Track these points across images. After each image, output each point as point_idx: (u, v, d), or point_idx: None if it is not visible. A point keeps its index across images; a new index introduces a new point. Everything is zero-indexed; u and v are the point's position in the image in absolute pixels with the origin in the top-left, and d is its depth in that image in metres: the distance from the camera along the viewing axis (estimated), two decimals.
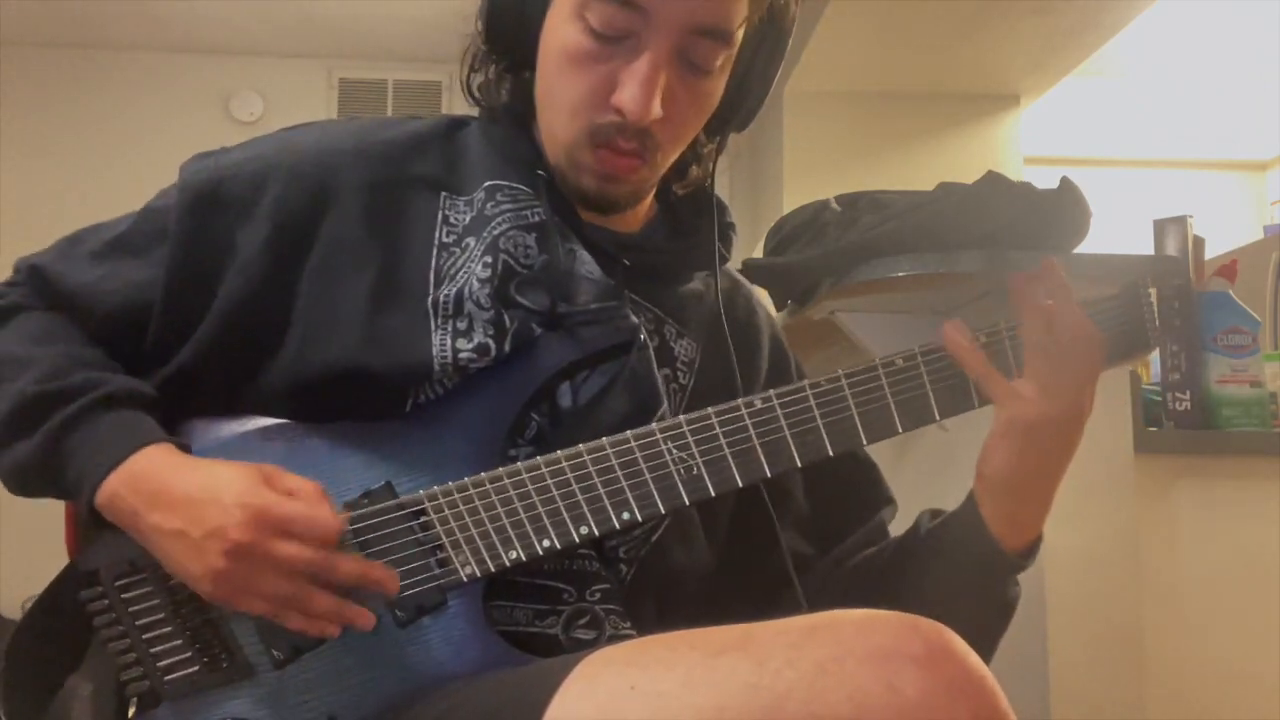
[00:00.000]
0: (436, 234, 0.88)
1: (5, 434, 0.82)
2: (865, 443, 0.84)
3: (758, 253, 1.77)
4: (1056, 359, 0.83)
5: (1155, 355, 1.74)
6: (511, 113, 0.92)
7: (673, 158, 0.90)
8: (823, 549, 1.00)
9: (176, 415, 0.86)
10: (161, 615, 0.81)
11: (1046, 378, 0.82)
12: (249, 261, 0.86)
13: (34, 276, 0.90)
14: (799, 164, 3.68)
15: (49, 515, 0.88)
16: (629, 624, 0.86)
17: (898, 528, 0.99)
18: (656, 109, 0.82)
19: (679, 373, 0.93)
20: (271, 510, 0.76)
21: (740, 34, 0.86)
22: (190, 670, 0.80)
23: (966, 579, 0.88)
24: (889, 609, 0.63)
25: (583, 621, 0.85)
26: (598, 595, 0.86)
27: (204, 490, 0.77)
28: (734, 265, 1.06)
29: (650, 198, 0.96)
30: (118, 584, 0.81)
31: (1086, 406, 0.84)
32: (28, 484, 0.84)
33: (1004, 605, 0.89)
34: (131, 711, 0.80)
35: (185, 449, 0.83)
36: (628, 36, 0.82)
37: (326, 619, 0.78)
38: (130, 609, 0.81)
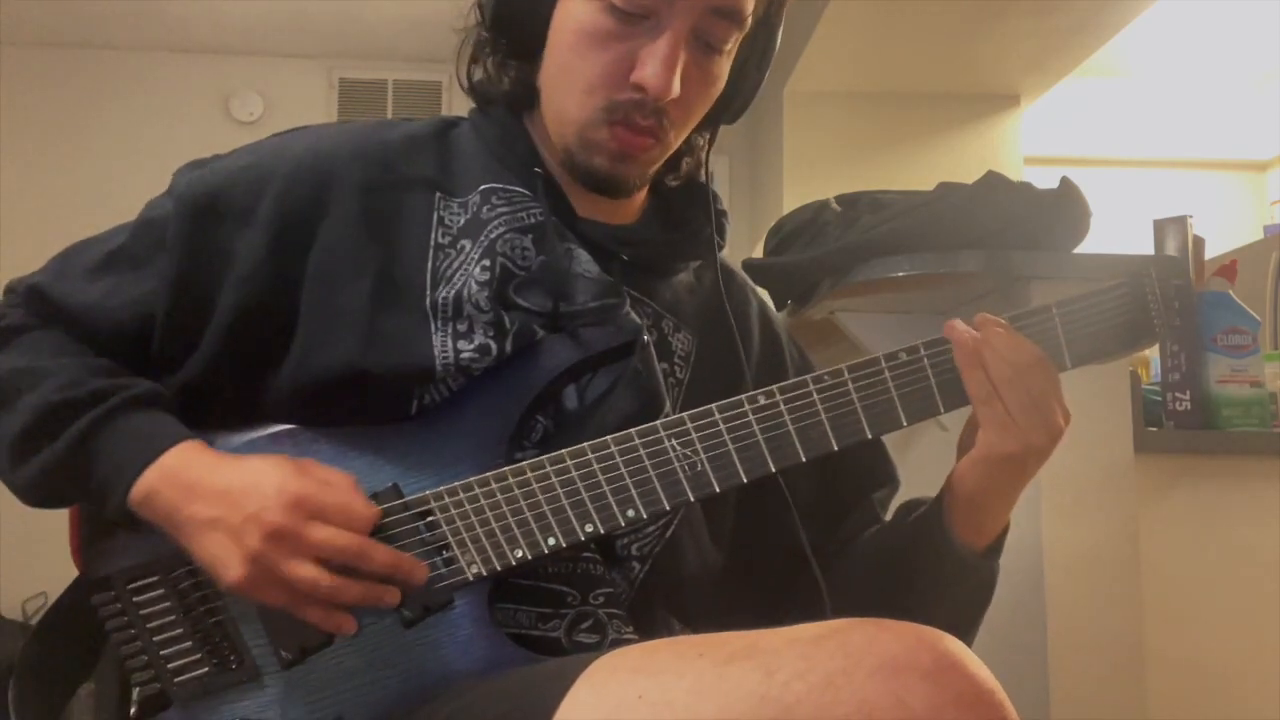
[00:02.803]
0: (432, 235, 0.88)
1: (29, 443, 0.82)
2: (869, 436, 0.84)
3: (758, 253, 1.77)
4: (1026, 390, 0.83)
5: (1155, 356, 1.74)
6: (511, 102, 0.92)
7: (683, 138, 0.91)
8: (826, 532, 0.99)
9: (187, 425, 0.85)
10: (172, 618, 0.81)
11: (1025, 411, 0.83)
12: (250, 269, 0.85)
13: (34, 298, 0.90)
14: (799, 164, 3.67)
15: (49, 515, 0.88)
16: (631, 628, 0.86)
17: None
18: (676, 86, 0.83)
19: (676, 367, 0.93)
20: (311, 497, 0.77)
21: (751, 19, 0.87)
22: (200, 672, 0.80)
23: (942, 576, 0.89)
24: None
25: (585, 625, 0.85)
26: (601, 599, 0.86)
27: (243, 480, 0.78)
28: (732, 259, 1.06)
29: (646, 188, 0.96)
30: (129, 587, 0.81)
31: (1060, 428, 0.84)
32: (53, 491, 0.84)
33: (982, 586, 0.91)
34: (133, 712, 0.80)
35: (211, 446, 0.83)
36: (648, 16, 0.83)
37: (360, 602, 0.78)
38: (141, 612, 0.81)
